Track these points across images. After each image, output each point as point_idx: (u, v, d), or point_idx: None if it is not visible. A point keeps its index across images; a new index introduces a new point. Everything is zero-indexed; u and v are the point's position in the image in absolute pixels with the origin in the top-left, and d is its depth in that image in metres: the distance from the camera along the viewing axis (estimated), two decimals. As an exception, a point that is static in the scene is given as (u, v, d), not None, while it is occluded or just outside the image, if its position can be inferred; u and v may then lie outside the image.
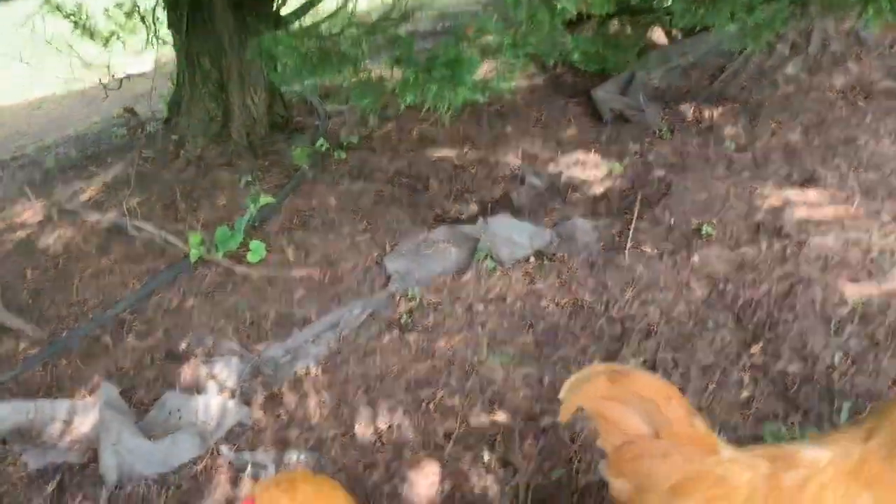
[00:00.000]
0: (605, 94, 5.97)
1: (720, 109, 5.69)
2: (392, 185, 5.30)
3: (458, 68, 3.52)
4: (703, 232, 4.07)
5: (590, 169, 5.19)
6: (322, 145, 5.78)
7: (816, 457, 1.82)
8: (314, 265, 4.48)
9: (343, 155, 5.77)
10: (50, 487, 2.99)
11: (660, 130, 5.51)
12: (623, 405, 1.90)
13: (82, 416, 3.31)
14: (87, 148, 7.62)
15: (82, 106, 9.85)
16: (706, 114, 5.68)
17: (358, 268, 4.41)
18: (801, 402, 2.94)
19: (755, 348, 3.24)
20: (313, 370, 3.57)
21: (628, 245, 4.10)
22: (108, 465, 2.99)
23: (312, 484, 1.58)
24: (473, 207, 4.95)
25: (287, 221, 5.00)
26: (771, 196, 4.36)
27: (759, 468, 1.83)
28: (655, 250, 4.05)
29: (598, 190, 4.91)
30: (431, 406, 3.25)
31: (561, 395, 1.93)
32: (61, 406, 3.34)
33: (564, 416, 1.94)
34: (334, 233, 4.78)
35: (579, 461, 2.83)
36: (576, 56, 4.53)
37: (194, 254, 4.47)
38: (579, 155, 5.39)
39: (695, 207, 4.34)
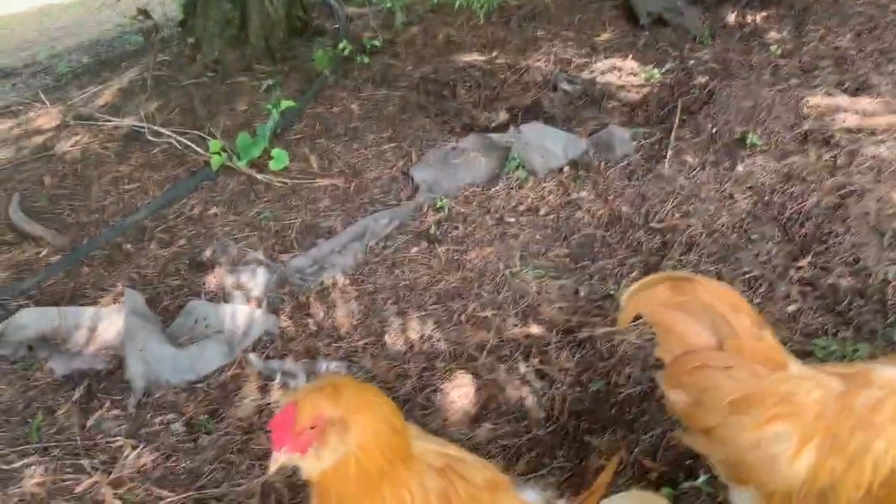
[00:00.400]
0: (643, -4, 5.62)
1: (764, 13, 5.36)
2: (417, 92, 5.07)
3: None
4: (748, 141, 3.86)
5: (626, 75, 4.92)
6: (344, 48, 5.52)
7: (893, 376, 1.70)
8: (338, 174, 4.32)
9: (366, 60, 5.52)
10: (77, 393, 2.95)
11: (700, 35, 5.19)
12: (686, 314, 1.76)
13: (107, 323, 3.24)
14: (100, 54, 7.40)
15: (92, 13, 9.52)
16: (749, 18, 5.35)
17: (383, 177, 4.25)
18: (853, 318, 2.81)
19: (803, 262, 3.09)
20: (340, 281, 3.47)
21: (668, 154, 3.90)
22: (135, 373, 2.94)
23: (356, 390, 1.48)
24: (503, 115, 4.73)
25: (309, 129, 4.82)
26: (820, 104, 4.10)
27: (831, 386, 1.71)
28: (697, 160, 3.85)
29: (635, 97, 4.66)
30: (463, 317, 3.16)
31: (620, 301, 1.79)
32: (86, 313, 3.27)
33: (623, 322, 1.82)
34: (358, 141, 4.60)
35: (618, 374, 2.73)
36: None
37: (216, 161, 4.32)
38: (615, 60, 5.11)
39: (739, 116, 4.10)
